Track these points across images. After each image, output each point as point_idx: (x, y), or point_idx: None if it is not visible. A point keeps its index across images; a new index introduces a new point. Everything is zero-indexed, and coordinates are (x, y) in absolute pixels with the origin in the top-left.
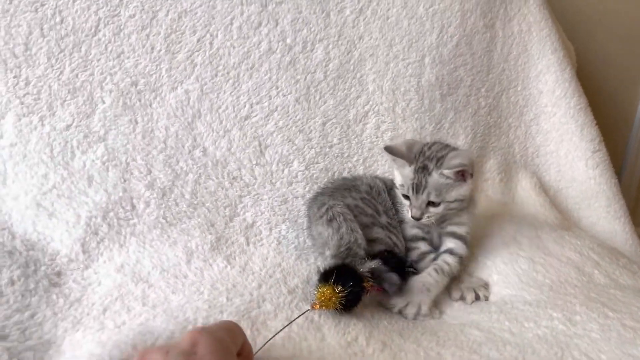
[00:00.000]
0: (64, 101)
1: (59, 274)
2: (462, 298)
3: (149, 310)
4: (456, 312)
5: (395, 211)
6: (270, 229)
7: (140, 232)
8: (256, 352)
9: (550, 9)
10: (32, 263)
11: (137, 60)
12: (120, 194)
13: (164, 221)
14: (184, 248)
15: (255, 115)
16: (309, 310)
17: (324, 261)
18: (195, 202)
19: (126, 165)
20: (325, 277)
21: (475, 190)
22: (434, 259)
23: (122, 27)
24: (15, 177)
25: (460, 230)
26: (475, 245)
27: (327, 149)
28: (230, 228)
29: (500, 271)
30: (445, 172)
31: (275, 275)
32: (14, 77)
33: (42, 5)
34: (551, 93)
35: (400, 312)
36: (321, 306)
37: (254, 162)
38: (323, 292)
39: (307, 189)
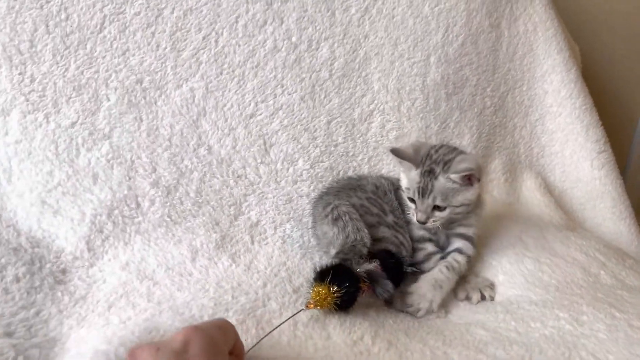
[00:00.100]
0: (69, 98)
1: (64, 271)
2: (468, 298)
3: (155, 306)
4: (462, 311)
5: (402, 211)
6: (275, 228)
7: (145, 230)
8: (247, 351)
9: (556, 9)
10: (37, 260)
11: (142, 57)
12: (125, 192)
13: (168, 219)
14: (188, 246)
15: (260, 114)
16: (303, 309)
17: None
18: (200, 200)
19: (131, 163)
20: (321, 276)
21: (482, 191)
22: (442, 259)
23: (127, 24)
24: (20, 174)
25: (468, 231)
26: (481, 245)
27: (332, 148)
28: (235, 227)
29: (506, 271)
30: (452, 176)
31: (280, 274)
32: (19, 73)
33: (48, 2)
34: (557, 93)
35: (408, 309)
36: (316, 306)
37: (259, 161)
38: (318, 292)
39: (311, 187)
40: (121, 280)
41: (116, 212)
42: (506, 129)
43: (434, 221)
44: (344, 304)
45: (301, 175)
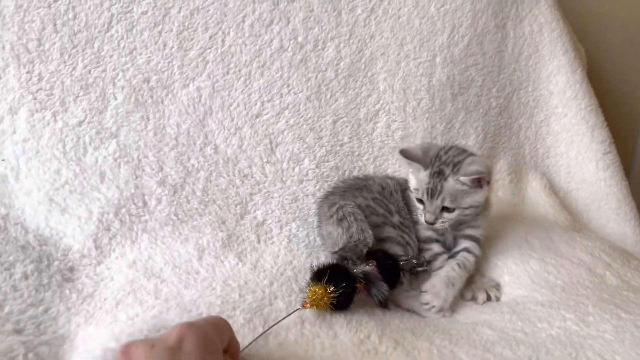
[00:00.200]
0: (77, 97)
1: (71, 269)
2: (474, 298)
3: (162, 303)
4: (468, 311)
5: (409, 211)
6: (281, 227)
7: (152, 228)
8: (243, 350)
9: (562, 10)
10: (45, 258)
11: (149, 57)
12: (132, 191)
13: (175, 218)
14: (195, 245)
15: (267, 113)
16: (299, 309)
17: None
18: (207, 199)
19: (138, 161)
20: (318, 276)
21: (490, 194)
22: (449, 258)
23: (134, 23)
24: (28, 172)
25: (476, 232)
26: (486, 246)
27: (338, 148)
28: (241, 226)
29: (512, 272)
30: (462, 179)
31: (287, 273)
32: (27, 72)
33: (56, 1)
34: (562, 94)
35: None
36: (312, 305)
37: (265, 160)
38: (315, 291)
39: (317, 187)
40: (128, 278)
41: (123, 210)
42: (511, 130)
43: (442, 222)
44: (340, 304)
45: (307, 174)
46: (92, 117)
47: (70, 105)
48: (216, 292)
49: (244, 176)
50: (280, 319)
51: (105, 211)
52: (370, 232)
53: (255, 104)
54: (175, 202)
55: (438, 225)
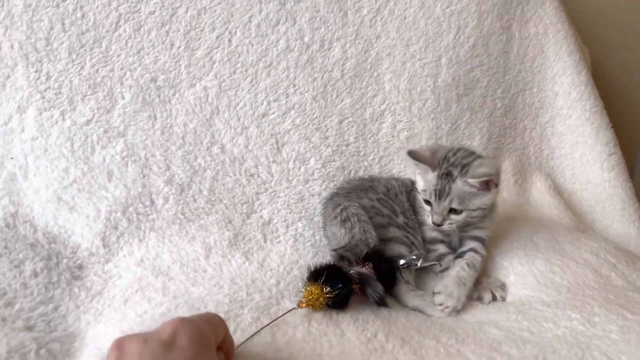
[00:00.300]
0: (85, 96)
1: (80, 267)
2: (480, 298)
3: (170, 300)
4: (474, 311)
5: (414, 212)
6: (287, 227)
7: (159, 227)
8: (237, 347)
9: (567, 12)
10: (54, 256)
11: (156, 56)
12: (140, 189)
13: (182, 217)
14: (202, 244)
15: (273, 113)
16: (294, 308)
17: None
18: (213, 198)
19: (145, 160)
20: (315, 276)
21: (497, 196)
22: (455, 258)
23: (142, 23)
24: (37, 170)
25: (481, 234)
26: (492, 246)
27: (344, 148)
28: (248, 225)
29: (517, 272)
30: (471, 180)
31: (293, 272)
32: (36, 71)
33: (64, 0)
34: (567, 95)
35: (424, 307)
36: (307, 305)
37: (271, 160)
38: (311, 291)
39: (323, 187)
40: (136, 275)
41: (131, 209)
42: (516, 131)
43: (449, 224)
44: (335, 305)
45: (313, 174)
46: (100, 116)
47: (78, 104)
48: (224, 291)
49: (250, 175)
50: (274, 318)
51: (113, 210)
52: (373, 233)
53: (262, 104)
54: (182, 201)
55: (445, 226)
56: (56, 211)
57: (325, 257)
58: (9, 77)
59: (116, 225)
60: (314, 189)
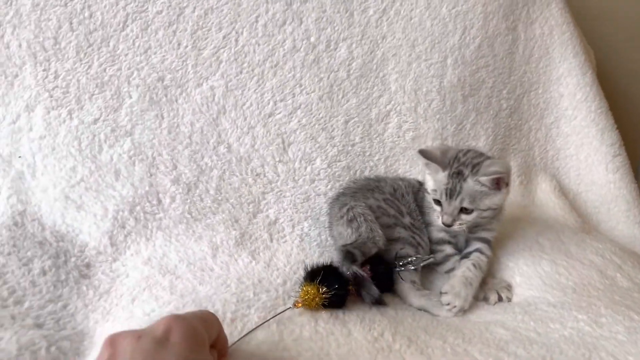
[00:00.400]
0: (92, 95)
1: (88, 265)
2: (485, 299)
3: (178, 299)
4: (480, 311)
5: (421, 213)
6: (293, 226)
7: (166, 226)
8: (232, 345)
9: (572, 13)
10: (62, 254)
11: (163, 55)
12: (147, 189)
13: (189, 216)
14: (209, 243)
15: (279, 113)
16: (290, 308)
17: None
18: (220, 198)
19: (152, 160)
20: (312, 276)
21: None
22: (461, 259)
23: (149, 22)
24: (44, 169)
25: (488, 235)
26: (497, 247)
27: (350, 148)
28: (254, 224)
29: (523, 273)
30: (482, 179)
31: (300, 272)
32: (43, 70)
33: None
34: (572, 96)
35: (430, 306)
36: (303, 305)
37: (277, 159)
38: (307, 291)
39: (329, 186)
40: (144, 274)
41: (138, 208)
42: (521, 132)
43: (460, 224)
44: (331, 306)
45: (319, 174)
46: (107, 115)
47: (86, 103)
48: (231, 290)
49: (257, 175)
50: (270, 317)
51: (120, 209)
52: (380, 232)
53: (268, 104)
54: (189, 201)
55: (455, 227)
56: (64, 210)
57: (332, 257)
58: (17, 75)
59: (123, 224)
60: (320, 189)
